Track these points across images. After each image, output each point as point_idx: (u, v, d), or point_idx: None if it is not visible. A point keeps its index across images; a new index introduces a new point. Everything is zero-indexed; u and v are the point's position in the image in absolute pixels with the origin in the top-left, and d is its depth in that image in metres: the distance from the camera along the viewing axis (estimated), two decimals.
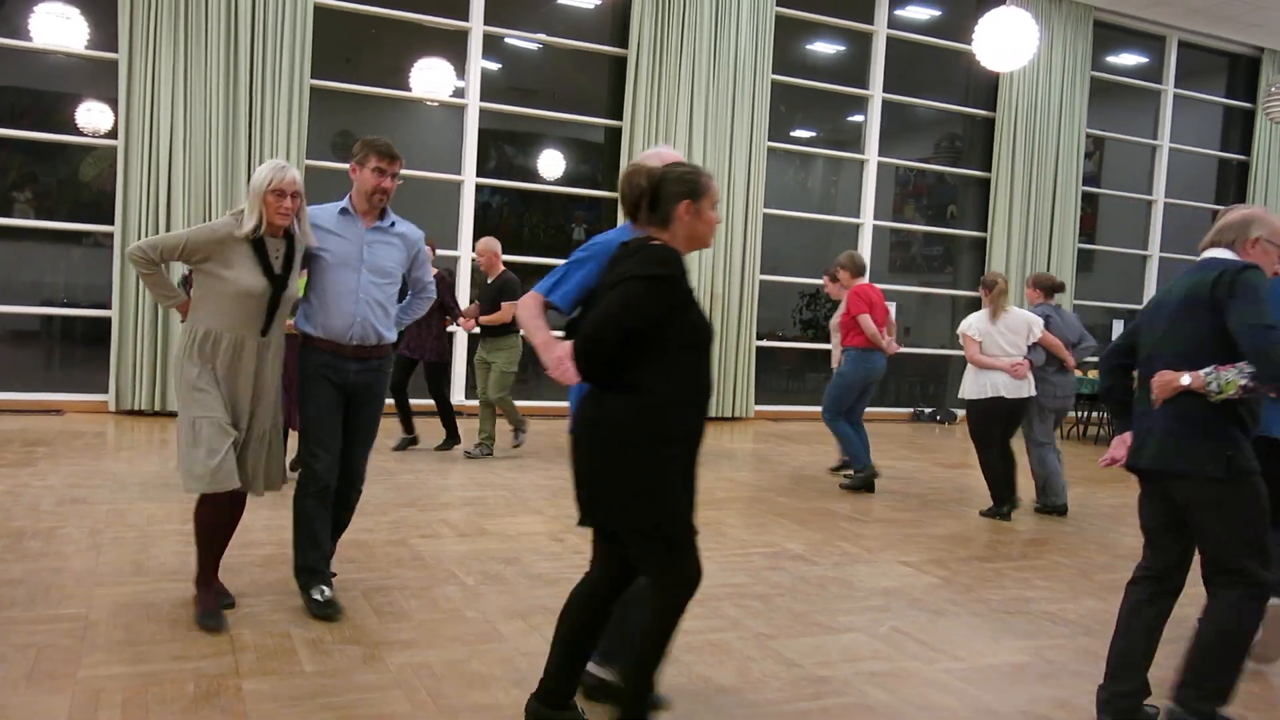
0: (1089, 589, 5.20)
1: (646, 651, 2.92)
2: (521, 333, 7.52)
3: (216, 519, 3.96)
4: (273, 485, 4.08)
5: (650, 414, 2.85)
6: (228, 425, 3.82)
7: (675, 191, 2.92)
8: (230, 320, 3.86)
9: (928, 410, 13.38)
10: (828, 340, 13.65)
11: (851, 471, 7.79)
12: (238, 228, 3.85)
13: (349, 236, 4.17)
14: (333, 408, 4.10)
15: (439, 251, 9.18)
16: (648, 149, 3.92)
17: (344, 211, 4.22)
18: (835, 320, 8.34)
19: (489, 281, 8.14)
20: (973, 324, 6.93)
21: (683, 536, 2.91)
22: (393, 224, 4.35)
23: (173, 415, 9.24)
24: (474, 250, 8.22)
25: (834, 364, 8.26)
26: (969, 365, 6.94)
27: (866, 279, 7.90)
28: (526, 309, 3.25)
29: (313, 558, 4.15)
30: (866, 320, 7.54)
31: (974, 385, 6.88)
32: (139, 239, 9.27)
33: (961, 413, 13.30)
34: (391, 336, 4.29)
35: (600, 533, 3.07)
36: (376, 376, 4.23)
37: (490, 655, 3.75)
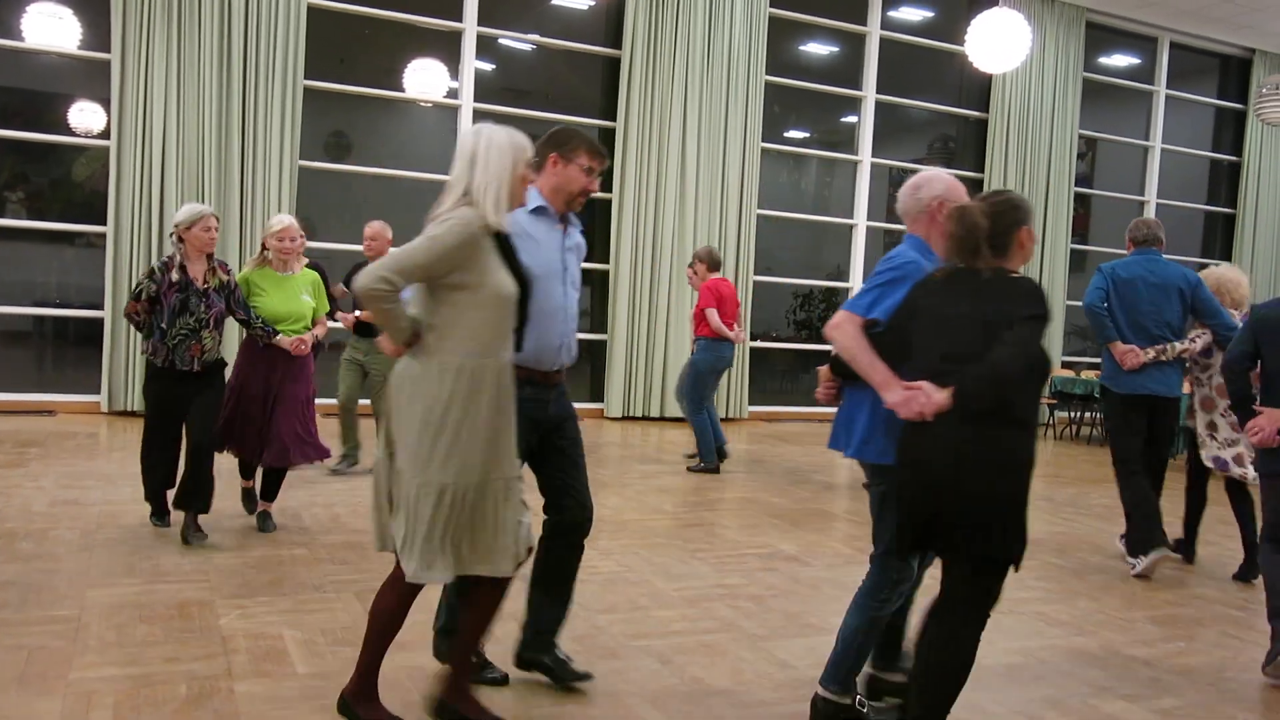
0: (1082, 589, 5.21)
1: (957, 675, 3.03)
2: None
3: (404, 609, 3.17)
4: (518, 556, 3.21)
5: (1033, 445, 2.95)
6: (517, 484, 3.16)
7: (1014, 220, 3.03)
8: (485, 342, 2.97)
9: None
10: (821, 341, 13.68)
11: (698, 457, 8.28)
12: (480, 218, 2.94)
13: (548, 243, 3.44)
14: (527, 447, 3.43)
15: None
16: (916, 178, 3.50)
17: (540, 211, 3.45)
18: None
19: None
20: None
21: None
22: (581, 229, 3.66)
23: None
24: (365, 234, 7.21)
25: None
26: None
27: (721, 273, 8.36)
28: (853, 338, 3.11)
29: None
30: (713, 314, 8.03)
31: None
32: (131, 239, 9.33)
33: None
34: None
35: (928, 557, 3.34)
36: (566, 401, 3.60)
37: None
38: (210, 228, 5.10)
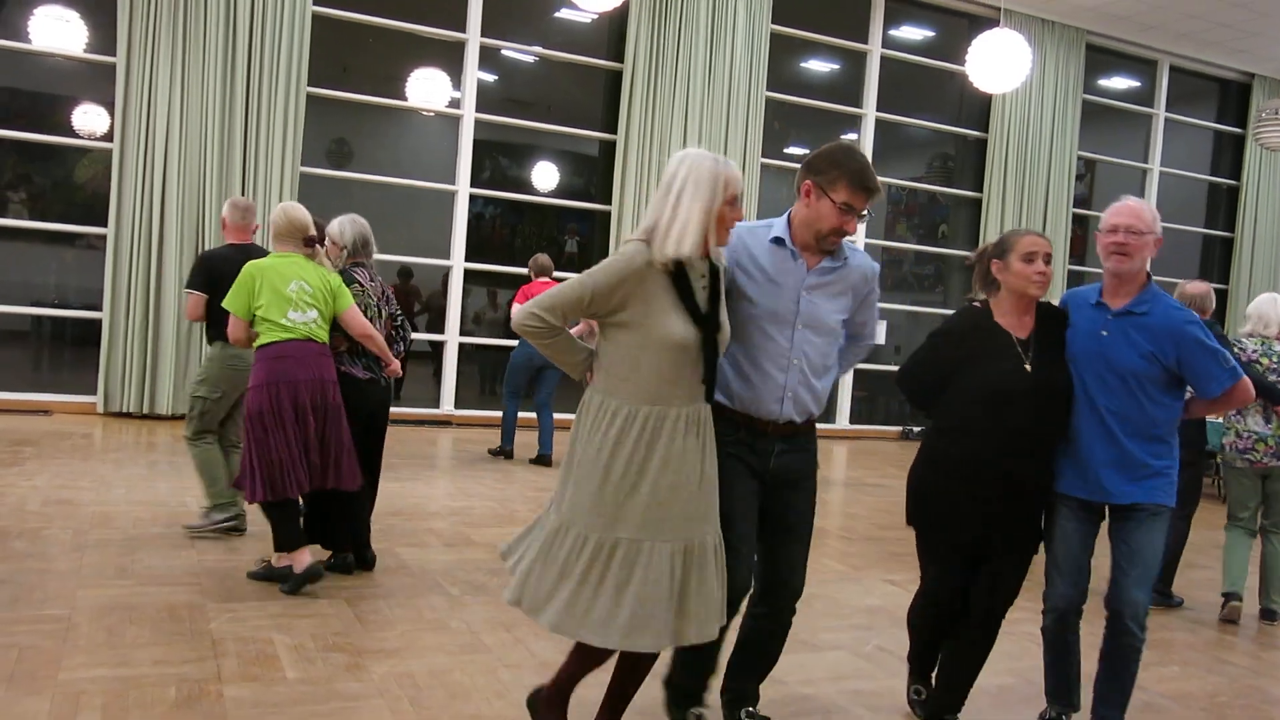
0: None
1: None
2: None
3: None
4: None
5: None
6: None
7: (992, 253, 3.34)
8: (654, 390, 2.76)
9: (916, 429, 13.41)
10: None
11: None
12: (649, 252, 2.73)
13: (784, 280, 3.03)
14: (748, 497, 3.06)
15: (431, 261, 9.17)
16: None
17: (779, 242, 3.06)
18: None
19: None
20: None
21: None
22: (845, 260, 3.14)
23: (161, 418, 9.26)
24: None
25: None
26: None
27: (548, 279, 8.56)
28: None
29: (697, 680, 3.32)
30: (516, 305, 8.15)
31: None
32: (131, 242, 9.34)
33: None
34: (820, 410, 3.19)
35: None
36: (804, 458, 3.18)
37: (473, 666, 3.75)
38: None
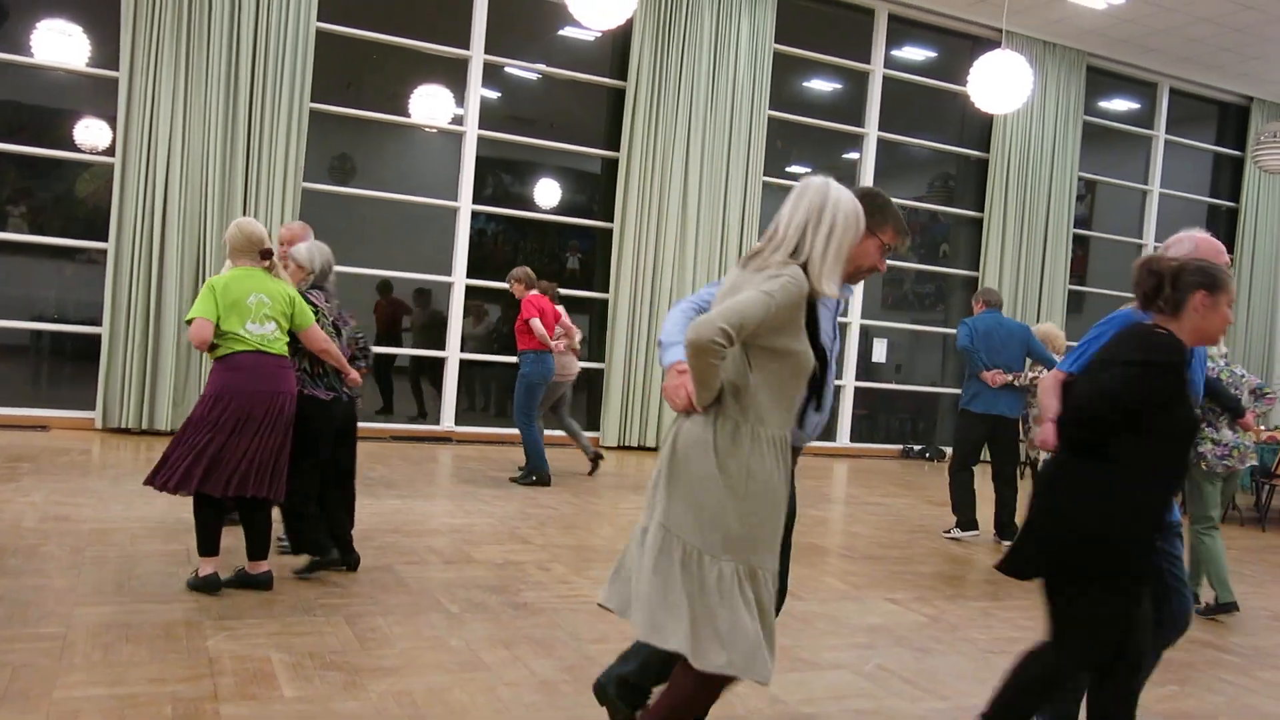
0: None
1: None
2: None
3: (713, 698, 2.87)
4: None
5: (1125, 492, 2.94)
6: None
7: (1193, 282, 2.98)
8: (785, 414, 2.75)
9: (916, 447, 13.38)
10: None
11: (524, 471, 8.52)
12: (806, 282, 2.68)
13: (825, 316, 3.05)
14: None
15: (429, 277, 9.15)
16: (1178, 234, 3.51)
17: None
18: None
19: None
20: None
21: None
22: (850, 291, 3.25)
23: (160, 434, 9.23)
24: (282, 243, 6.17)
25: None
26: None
27: (536, 292, 8.52)
28: (1047, 386, 3.29)
29: None
30: (537, 323, 8.26)
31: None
32: (132, 257, 9.34)
33: (950, 450, 13.34)
34: None
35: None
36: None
37: (473, 684, 3.72)
38: None
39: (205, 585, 4.56)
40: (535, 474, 8.39)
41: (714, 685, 2.77)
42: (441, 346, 11.16)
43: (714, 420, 2.68)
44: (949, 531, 7.62)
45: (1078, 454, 2.98)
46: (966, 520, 7.56)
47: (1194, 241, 3.44)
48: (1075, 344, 3.54)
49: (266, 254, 4.80)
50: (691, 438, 2.70)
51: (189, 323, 4.62)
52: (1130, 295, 3.19)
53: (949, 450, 12.75)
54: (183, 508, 6.16)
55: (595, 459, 9.10)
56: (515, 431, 8.65)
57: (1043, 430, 3.17)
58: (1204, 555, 5.64)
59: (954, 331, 13.68)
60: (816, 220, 2.70)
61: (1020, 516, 3.42)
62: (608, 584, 2.93)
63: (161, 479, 4.53)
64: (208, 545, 4.60)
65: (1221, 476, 5.95)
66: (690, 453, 2.70)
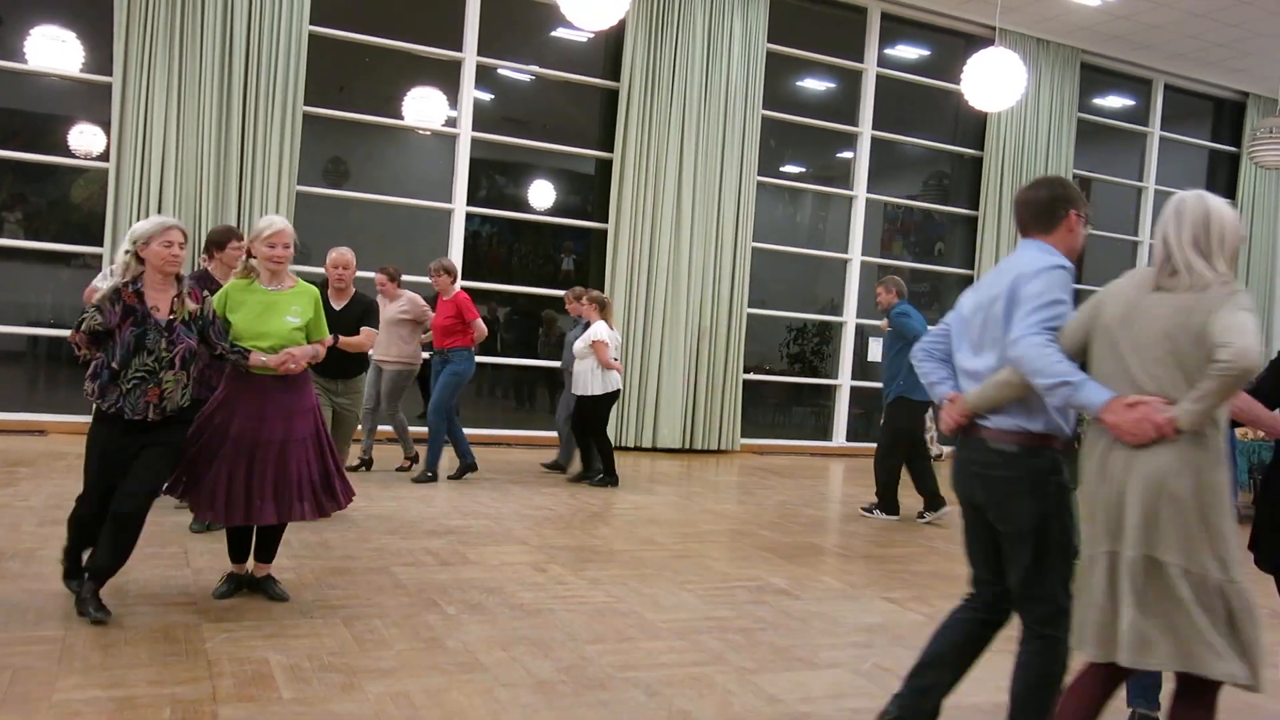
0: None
1: None
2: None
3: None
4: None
5: None
6: None
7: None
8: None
9: None
10: (814, 374, 13.70)
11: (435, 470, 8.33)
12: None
13: None
14: None
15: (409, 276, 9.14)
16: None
17: None
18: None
19: (340, 307, 6.57)
20: (605, 332, 8.46)
21: None
22: None
23: None
24: (330, 261, 6.71)
25: None
26: (598, 365, 8.37)
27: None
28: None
29: None
30: (481, 323, 8.27)
31: (602, 382, 8.44)
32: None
33: (948, 449, 13.33)
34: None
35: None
36: None
37: (470, 685, 3.73)
38: (173, 242, 4.21)
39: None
40: (432, 470, 8.25)
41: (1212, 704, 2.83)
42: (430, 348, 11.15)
43: (1191, 440, 2.69)
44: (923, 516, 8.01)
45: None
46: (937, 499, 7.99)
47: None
48: None
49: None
50: (1171, 462, 2.69)
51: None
52: None
53: (946, 450, 12.78)
54: (182, 513, 6.17)
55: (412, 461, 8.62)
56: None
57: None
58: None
59: None
60: (1220, 245, 2.81)
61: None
62: (1087, 643, 2.86)
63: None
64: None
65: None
66: (1177, 478, 2.69)
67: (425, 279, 10.94)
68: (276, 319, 4.53)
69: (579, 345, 8.52)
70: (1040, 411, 2.99)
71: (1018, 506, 3.01)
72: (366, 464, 8.41)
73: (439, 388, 8.26)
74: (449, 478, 8.36)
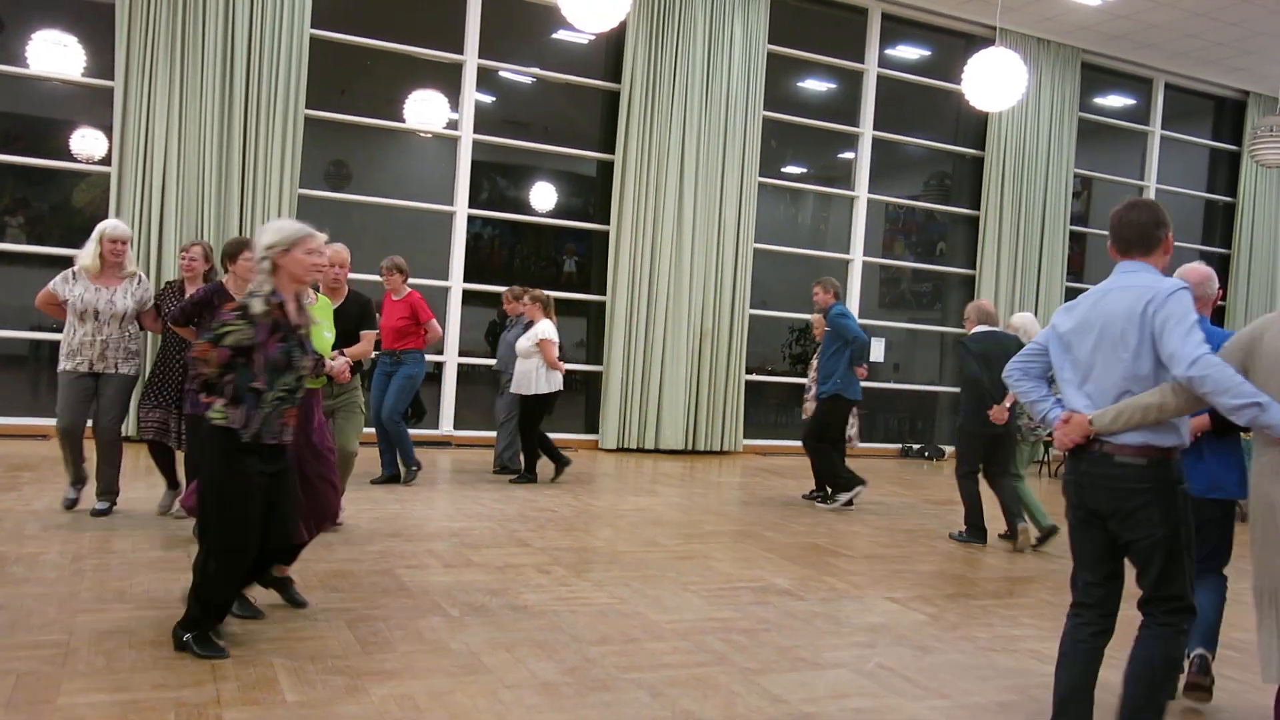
0: None
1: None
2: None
3: None
4: None
5: None
6: None
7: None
8: None
9: (915, 446, 13.39)
10: None
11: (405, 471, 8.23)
12: None
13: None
14: None
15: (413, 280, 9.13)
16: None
17: None
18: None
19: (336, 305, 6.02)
20: (552, 331, 8.54)
21: None
22: None
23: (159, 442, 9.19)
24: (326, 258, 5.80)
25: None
26: (543, 364, 8.46)
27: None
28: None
29: None
30: (436, 324, 8.12)
31: (546, 381, 8.50)
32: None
33: (949, 449, 13.34)
34: None
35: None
36: None
37: (474, 687, 3.73)
38: (314, 250, 4.00)
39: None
40: (418, 467, 8.24)
41: None
42: (439, 351, 11.17)
43: None
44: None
45: None
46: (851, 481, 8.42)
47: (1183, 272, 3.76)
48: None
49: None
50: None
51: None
52: None
53: (949, 449, 12.77)
54: (182, 517, 6.17)
55: None
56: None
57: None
58: (1024, 496, 7.20)
59: (953, 330, 13.74)
60: None
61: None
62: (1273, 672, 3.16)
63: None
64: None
65: (1031, 442, 7.50)
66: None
67: (426, 280, 10.92)
68: (318, 333, 4.46)
69: (523, 344, 8.53)
70: (1171, 429, 3.14)
71: (1150, 516, 3.13)
72: None
73: (394, 391, 8.01)
74: (371, 481, 8.04)
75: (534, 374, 8.48)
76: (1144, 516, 3.13)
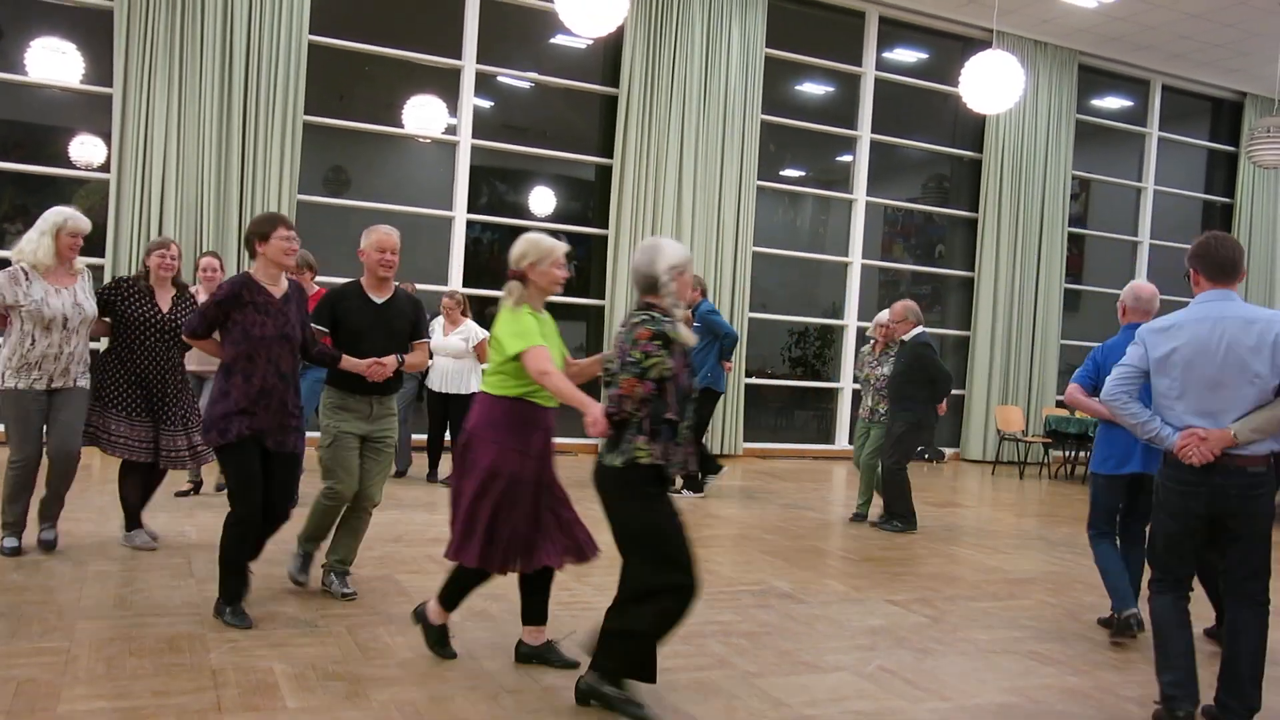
0: (1076, 629, 5.20)
1: None
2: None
3: None
4: None
5: None
6: None
7: None
8: None
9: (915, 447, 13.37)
10: (816, 378, 13.68)
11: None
12: None
13: None
14: None
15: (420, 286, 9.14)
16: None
17: None
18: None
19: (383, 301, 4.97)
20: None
21: None
22: None
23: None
24: (374, 243, 4.93)
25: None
26: (477, 364, 8.46)
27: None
28: (1078, 399, 4.96)
29: None
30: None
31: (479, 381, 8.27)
32: (128, 272, 9.32)
33: (950, 449, 13.34)
34: None
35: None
36: None
37: (475, 692, 3.73)
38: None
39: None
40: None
41: None
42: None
43: None
44: None
45: None
46: None
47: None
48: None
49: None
50: None
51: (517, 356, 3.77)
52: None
53: (949, 451, 12.78)
54: (184, 521, 6.17)
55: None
56: None
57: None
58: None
59: (952, 332, 13.75)
60: None
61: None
62: None
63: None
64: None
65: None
66: None
67: (425, 285, 10.93)
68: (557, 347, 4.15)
69: (456, 343, 8.53)
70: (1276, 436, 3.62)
71: (1262, 510, 3.64)
72: (196, 486, 7.39)
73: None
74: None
75: (467, 373, 8.56)
76: (1258, 512, 3.62)
